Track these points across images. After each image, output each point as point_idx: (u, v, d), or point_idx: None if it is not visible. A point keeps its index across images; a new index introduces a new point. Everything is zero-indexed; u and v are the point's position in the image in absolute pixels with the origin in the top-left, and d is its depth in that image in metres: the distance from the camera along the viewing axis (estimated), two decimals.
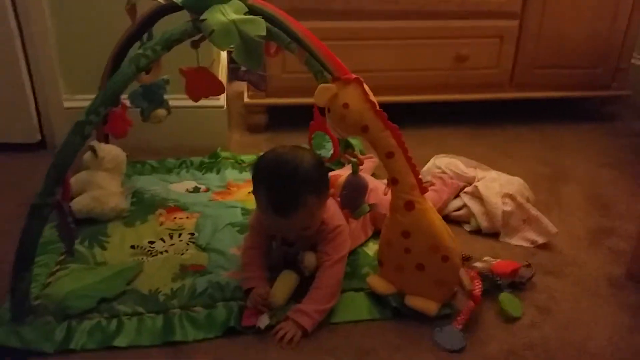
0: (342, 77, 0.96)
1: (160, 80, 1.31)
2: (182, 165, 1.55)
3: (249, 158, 1.61)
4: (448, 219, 1.31)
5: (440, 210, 1.29)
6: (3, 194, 1.41)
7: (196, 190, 1.43)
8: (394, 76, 1.85)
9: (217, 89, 1.12)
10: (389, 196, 0.98)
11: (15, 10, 1.52)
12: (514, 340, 0.97)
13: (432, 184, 1.30)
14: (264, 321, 0.95)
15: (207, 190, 1.43)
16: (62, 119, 1.64)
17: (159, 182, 1.44)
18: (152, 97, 1.30)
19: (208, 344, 0.93)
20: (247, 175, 1.51)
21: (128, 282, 1.04)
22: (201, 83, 1.13)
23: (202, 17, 0.99)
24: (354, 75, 0.97)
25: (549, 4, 1.84)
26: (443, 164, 1.44)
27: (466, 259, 1.16)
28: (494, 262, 1.09)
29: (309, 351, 0.93)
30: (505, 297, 1.03)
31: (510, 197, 1.28)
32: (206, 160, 1.58)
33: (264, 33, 0.96)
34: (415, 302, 1.00)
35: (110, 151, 1.29)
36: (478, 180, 1.35)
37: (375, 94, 1.61)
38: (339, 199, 1.08)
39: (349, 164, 1.08)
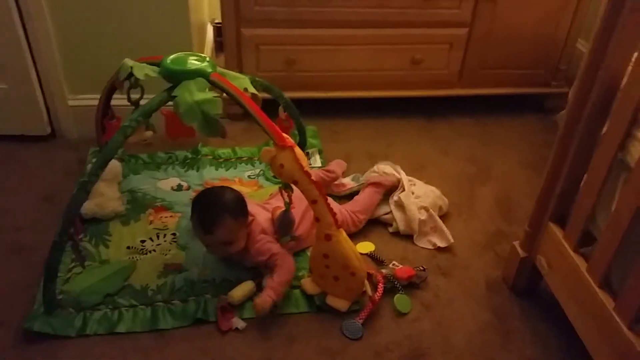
0: (280, 143, 1.27)
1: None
2: (169, 160, 1.89)
3: (225, 153, 1.94)
4: (378, 220, 1.68)
5: (375, 206, 1.67)
6: (24, 181, 1.78)
7: (179, 188, 1.77)
8: (359, 75, 2.13)
9: (190, 133, 1.42)
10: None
11: (24, 28, 1.78)
12: (398, 332, 1.36)
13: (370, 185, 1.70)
14: (241, 324, 1.33)
15: (188, 188, 1.77)
16: (67, 114, 1.96)
17: (148, 180, 1.78)
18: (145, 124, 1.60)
19: (182, 330, 1.33)
20: (222, 173, 1.85)
21: (125, 279, 1.42)
22: (177, 125, 1.43)
23: (173, 94, 1.29)
24: (288, 143, 1.27)
25: (497, 13, 2.07)
26: (379, 168, 1.78)
27: (380, 262, 1.54)
28: (396, 268, 1.47)
29: (253, 336, 1.33)
30: (398, 297, 1.42)
31: (425, 208, 1.63)
32: (189, 155, 1.91)
33: (220, 111, 1.27)
34: (332, 301, 1.39)
35: (108, 165, 1.62)
36: (402, 186, 1.70)
37: (344, 90, 2.12)
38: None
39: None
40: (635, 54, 1.07)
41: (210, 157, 1.92)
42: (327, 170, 1.76)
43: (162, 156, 1.89)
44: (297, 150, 1.28)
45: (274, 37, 2.01)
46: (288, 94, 1.78)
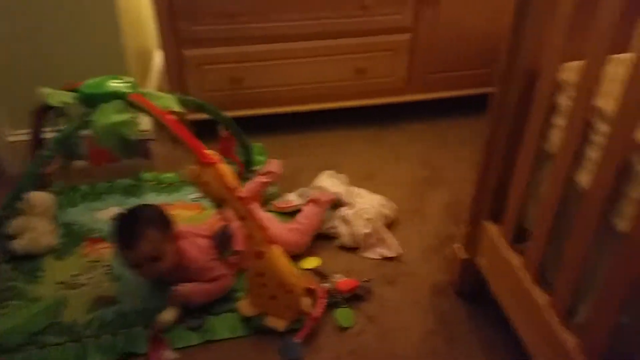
0: (203, 160, 1.22)
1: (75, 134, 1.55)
2: (110, 188, 1.83)
3: (169, 177, 1.89)
4: (323, 233, 1.63)
5: (320, 224, 1.61)
6: None
7: None
8: (305, 89, 2.10)
9: (114, 158, 1.38)
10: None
11: None
12: (341, 348, 1.30)
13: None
14: (172, 357, 1.26)
15: None
16: (7, 150, 1.91)
17: (86, 212, 1.72)
18: (68, 152, 1.55)
19: None
20: (164, 198, 1.79)
21: (53, 316, 1.36)
22: (99, 150, 1.39)
23: (89, 118, 1.25)
24: (212, 160, 1.22)
25: (441, 15, 2.04)
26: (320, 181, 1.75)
27: (324, 277, 1.48)
28: (338, 282, 1.41)
29: None
30: (340, 311, 1.36)
31: (371, 221, 1.58)
32: (131, 182, 1.86)
33: (136, 133, 1.22)
34: (269, 321, 1.32)
35: (39, 198, 1.57)
36: (343, 201, 1.66)
37: (291, 105, 2.07)
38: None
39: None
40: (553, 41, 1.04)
41: (154, 182, 1.86)
42: (266, 173, 1.73)
43: (103, 185, 1.84)
44: (222, 166, 1.24)
45: (216, 56, 1.97)
46: (235, 113, 1.76)
